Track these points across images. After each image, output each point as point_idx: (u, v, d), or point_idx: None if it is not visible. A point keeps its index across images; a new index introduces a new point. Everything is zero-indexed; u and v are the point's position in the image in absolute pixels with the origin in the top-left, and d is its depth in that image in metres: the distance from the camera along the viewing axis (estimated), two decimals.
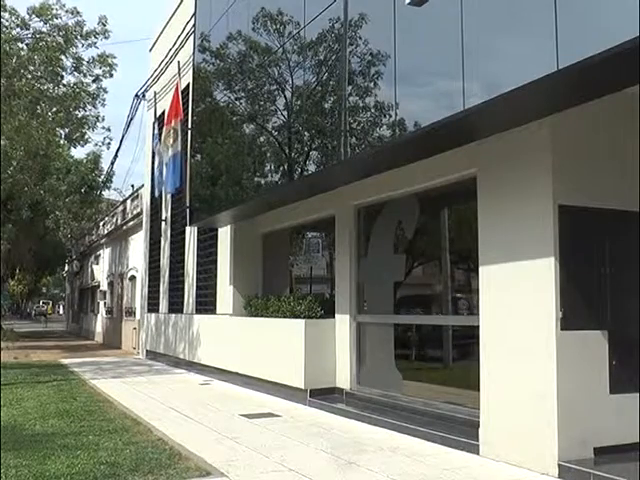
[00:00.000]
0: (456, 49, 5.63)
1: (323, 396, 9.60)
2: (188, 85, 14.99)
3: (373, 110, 7.13)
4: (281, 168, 9.86)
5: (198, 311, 15.42)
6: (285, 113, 9.63)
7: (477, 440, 6.56)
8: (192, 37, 14.28)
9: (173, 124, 15.11)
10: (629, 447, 5.94)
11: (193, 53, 13.88)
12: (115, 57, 17.62)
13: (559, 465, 5.70)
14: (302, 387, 9.81)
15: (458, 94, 5.62)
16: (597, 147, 6.22)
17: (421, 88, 6.61)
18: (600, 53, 4.40)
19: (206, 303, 15.04)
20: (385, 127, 6.90)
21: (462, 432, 6.84)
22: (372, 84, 7.11)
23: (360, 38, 7.33)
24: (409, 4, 6.08)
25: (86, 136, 18.70)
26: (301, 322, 9.97)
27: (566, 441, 5.75)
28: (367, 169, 8.17)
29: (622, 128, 6.31)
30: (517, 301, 6.25)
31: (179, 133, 15.01)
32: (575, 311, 5.89)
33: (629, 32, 4.19)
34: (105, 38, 17.01)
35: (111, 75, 17.74)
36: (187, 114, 14.92)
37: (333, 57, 8.05)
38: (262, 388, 10.99)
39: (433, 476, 5.85)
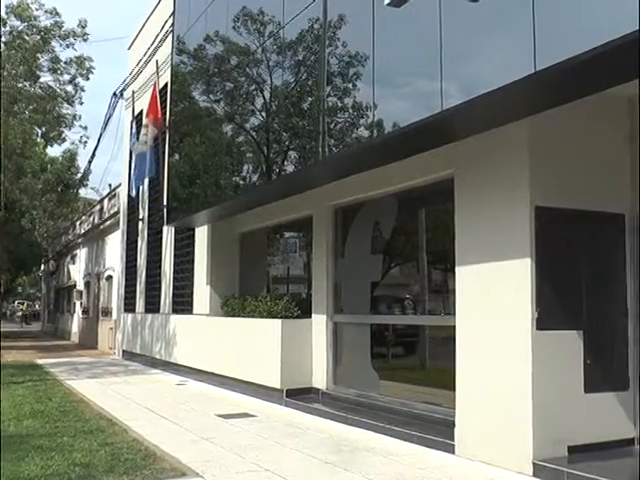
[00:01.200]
0: (434, 50, 5.66)
1: (299, 396, 9.59)
2: (166, 84, 14.92)
3: (351, 111, 7.14)
4: (259, 168, 9.85)
5: (175, 311, 15.34)
6: (263, 113, 9.62)
7: (453, 440, 6.58)
8: (170, 36, 14.21)
9: (151, 123, 15.01)
10: (603, 445, 6.02)
11: (171, 53, 13.81)
12: (92, 60, 17.56)
13: (534, 464, 5.75)
14: (278, 387, 9.79)
15: (436, 95, 5.65)
16: (574, 149, 6.28)
17: (400, 89, 6.62)
18: (577, 55, 4.44)
19: (183, 303, 14.97)
20: (363, 128, 6.92)
21: (438, 432, 6.87)
22: (351, 85, 7.12)
23: (339, 39, 7.34)
24: (388, 5, 6.09)
25: (63, 135, 18.55)
26: (278, 322, 9.96)
27: (541, 440, 5.80)
28: (345, 169, 8.18)
29: (599, 130, 6.38)
30: (493, 301, 6.29)
31: (157, 132, 14.92)
32: (551, 311, 5.93)
33: (606, 35, 4.23)
34: (84, 40, 16.91)
35: (87, 78, 17.63)
36: (165, 113, 14.84)
37: (312, 58, 8.06)
38: (238, 388, 10.96)
39: (409, 476, 5.86)
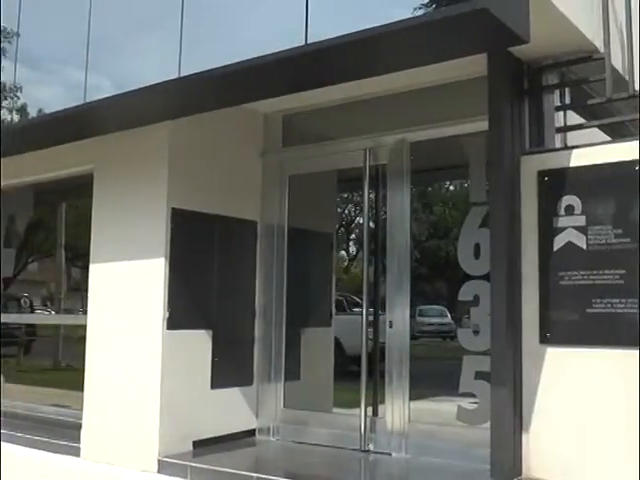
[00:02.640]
0: (82, 41, 5.50)
1: None
2: None
3: None
4: None
5: None
6: None
7: (79, 443, 6.39)
8: None
9: None
10: (228, 437, 6.36)
11: None
12: None
13: (159, 461, 5.81)
14: None
15: (82, 87, 5.49)
16: (213, 156, 6.49)
17: (48, 75, 6.32)
18: (221, 67, 4.64)
19: None
20: (6, 111, 6.45)
21: (66, 435, 6.61)
22: None
23: None
24: None
25: None
26: None
27: (167, 437, 5.89)
28: None
29: (237, 142, 6.73)
30: (127, 300, 6.25)
31: None
32: (182, 311, 6.07)
33: (250, 51, 4.50)
34: None
35: None
36: None
37: None
38: None
39: None
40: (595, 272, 4.80)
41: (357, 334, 6.32)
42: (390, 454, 5.97)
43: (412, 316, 6.32)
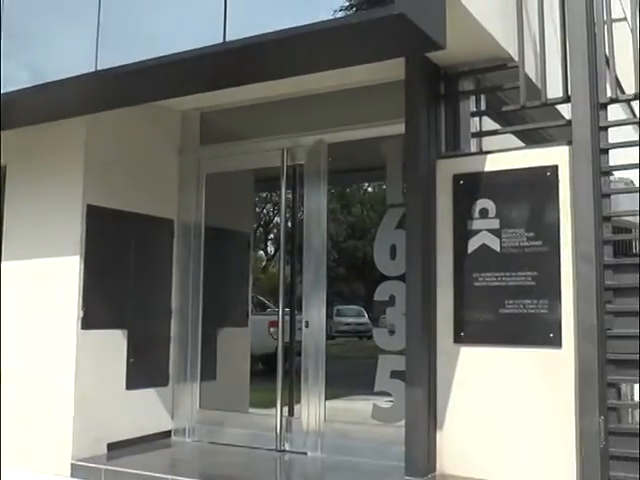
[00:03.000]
0: None
1: None
2: None
3: None
4: None
5: None
6: None
7: None
8: None
9: None
10: (144, 439, 6.30)
11: None
12: None
13: (72, 464, 5.70)
14: None
15: None
16: (130, 153, 6.39)
17: None
18: (135, 63, 4.56)
19: None
20: None
21: None
22: None
23: None
24: None
25: None
26: None
27: (81, 440, 5.77)
28: None
29: (155, 139, 6.66)
30: (40, 300, 6.08)
31: None
32: (97, 310, 5.95)
33: (168, 47, 4.44)
34: None
35: None
36: None
37: None
38: None
39: None
40: (508, 274, 4.96)
41: (264, 334, 6.33)
42: (306, 453, 6.02)
43: (330, 316, 6.39)
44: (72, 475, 5.68)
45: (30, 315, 6.13)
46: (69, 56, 5.08)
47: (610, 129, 4.86)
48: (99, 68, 4.75)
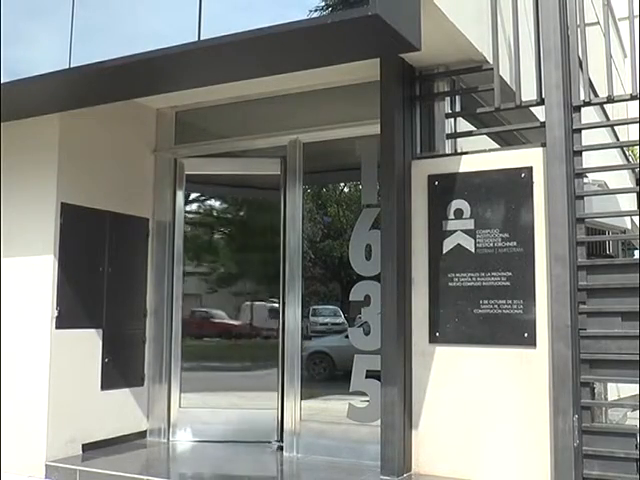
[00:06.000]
0: None
1: None
2: None
3: None
4: None
5: None
6: None
7: None
8: None
9: None
10: (119, 440, 6.26)
11: None
12: None
13: (47, 465, 5.64)
14: None
15: None
16: (105, 151, 6.34)
17: None
18: (111, 60, 4.54)
19: None
20: None
21: None
22: None
23: None
24: None
25: None
26: None
27: (56, 441, 5.72)
28: None
29: (129, 137, 6.60)
30: (13, 299, 5.99)
31: None
32: (71, 310, 5.90)
33: (142, 45, 4.42)
34: None
35: None
36: None
37: None
38: None
39: None
40: (483, 274, 5.00)
41: None
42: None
43: (306, 316, 6.40)
44: (46, 476, 5.63)
45: (3, 314, 6.04)
46: (42, 53, 5.03)
47: (584, 132, 4.91)
48: (72, 65, 4.71)
